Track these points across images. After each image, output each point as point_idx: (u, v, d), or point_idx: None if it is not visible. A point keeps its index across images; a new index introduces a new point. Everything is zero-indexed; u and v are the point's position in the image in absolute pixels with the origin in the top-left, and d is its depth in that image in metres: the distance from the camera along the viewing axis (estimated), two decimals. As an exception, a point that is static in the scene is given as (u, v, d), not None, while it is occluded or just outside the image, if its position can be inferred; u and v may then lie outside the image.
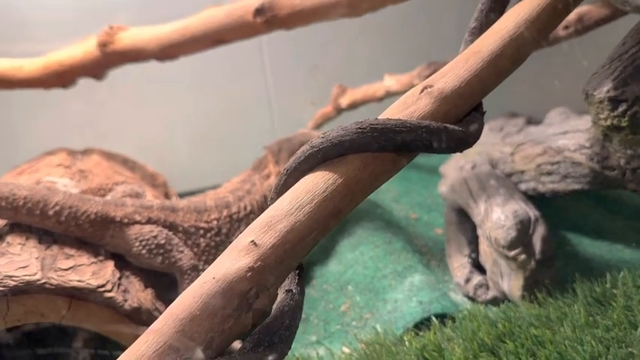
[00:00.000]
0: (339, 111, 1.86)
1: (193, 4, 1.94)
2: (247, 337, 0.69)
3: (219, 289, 0.67)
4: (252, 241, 0.70)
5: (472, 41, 1.00)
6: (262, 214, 0.75)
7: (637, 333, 0.99)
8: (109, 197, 1.22)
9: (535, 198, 1.46)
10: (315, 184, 0.76)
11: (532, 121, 1.62)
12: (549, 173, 1.40)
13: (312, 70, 2.14)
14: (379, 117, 0.82)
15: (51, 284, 0.96)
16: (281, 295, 0.75)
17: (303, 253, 0.74)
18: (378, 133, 0.77)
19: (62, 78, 1.49)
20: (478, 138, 0.87)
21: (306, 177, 0.78)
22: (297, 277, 0.77)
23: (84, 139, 1.97)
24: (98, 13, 1.87)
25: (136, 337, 0.76)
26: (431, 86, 0.86)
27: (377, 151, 0.78)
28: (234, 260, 0.69)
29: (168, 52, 1.39)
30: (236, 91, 2.15)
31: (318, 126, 1.94)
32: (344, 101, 1.81)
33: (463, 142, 0.83)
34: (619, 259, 1.35)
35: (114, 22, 1.91)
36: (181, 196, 1.98)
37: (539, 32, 0.95)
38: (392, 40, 2.03)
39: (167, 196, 1.68)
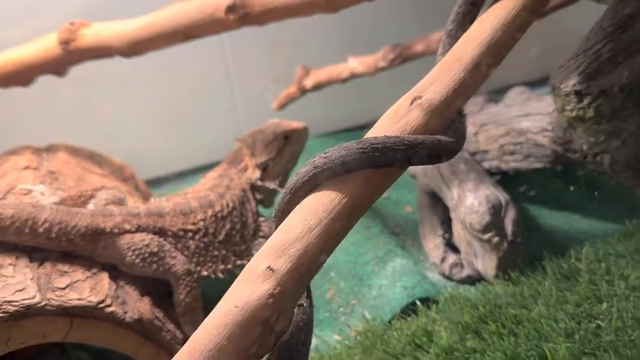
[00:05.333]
0: (303, 92, 1.87)
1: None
2: (268, 356, 0.73)
3: (243, 317, 0.70)
4: (269, 267, 0.74)
5: (450, 44, 1.03)
6: (272, 237, 0.78)
7: (602, 307, 1.10)
8: (91, 206, 1.21)
9: (497, 174, 1.54)
10: (322, 204, 0.79)
11: (491, 98, 1.69)
12: (512, 153, 1.48)
13: (272, 48, 2.12)
14: (373, 133, 0.85)
15: (52, 305, 0.96)
16: (294, 310, 0.79)
17: (314, 273, 0.78)
18: (379, 153, 0.81)
19: (21, 77, 1.43)
20: (464, 143, 0.93)
21: (310, 197, 0.81)
22: (305, 291, 0.82)
23: (43, 129, 1.90)
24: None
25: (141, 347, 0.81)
26: (420, 97, 0.90)
27: (377, 168, 0.82)
28: (253, 287, 0.72)
29: (134, 48, 1.35)
30: (195, 70, 2.10)
31: (282, 106, 1.95)
32: (308, 83, 1.82)
33: (453, 151, 0.88)
34: (577, 230, 1.47)
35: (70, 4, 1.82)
36: (149, 183, 1.97)
37: (515, 35, 0.99)
38: (351, 15, 2.03)
39: (137, 188, 1.67)
